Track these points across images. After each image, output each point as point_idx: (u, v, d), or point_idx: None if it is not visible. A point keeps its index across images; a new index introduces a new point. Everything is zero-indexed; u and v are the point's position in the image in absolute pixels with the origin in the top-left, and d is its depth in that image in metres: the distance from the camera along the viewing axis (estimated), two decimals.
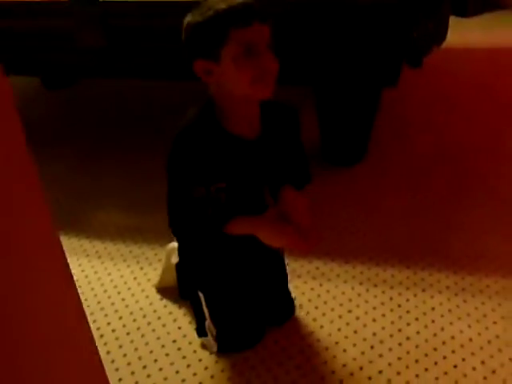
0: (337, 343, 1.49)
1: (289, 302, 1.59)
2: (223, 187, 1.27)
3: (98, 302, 1.68)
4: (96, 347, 0.86)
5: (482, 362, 1.42)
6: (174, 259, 1.57)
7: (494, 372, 1.39)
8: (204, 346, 1.50)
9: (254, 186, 1.37)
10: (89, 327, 0.84)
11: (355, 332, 1.52)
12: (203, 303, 1.46)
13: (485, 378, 1.38)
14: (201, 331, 1.51)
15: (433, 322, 1.55)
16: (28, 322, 0.67)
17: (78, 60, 2.05)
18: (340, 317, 1.57)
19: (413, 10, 1.73)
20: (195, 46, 1.19)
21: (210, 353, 1.49)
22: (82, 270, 1.81)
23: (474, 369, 1.40)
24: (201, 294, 1.46)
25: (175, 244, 1.56)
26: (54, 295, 0.73)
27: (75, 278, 1.76)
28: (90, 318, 1.59)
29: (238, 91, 1.21)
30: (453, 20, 3.78)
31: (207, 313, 1.47)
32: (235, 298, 1.48)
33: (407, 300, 1.62)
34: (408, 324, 1.54)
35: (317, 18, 1.70)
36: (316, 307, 1.61)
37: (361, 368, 1.42)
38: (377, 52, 1.77)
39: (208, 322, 1.48)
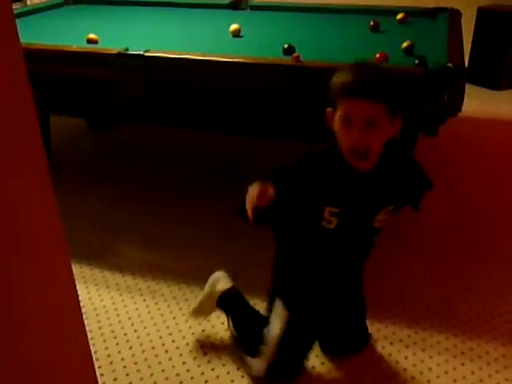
0: None
1: (364, 333, 1.70)
2: (337, 212, 1.40)
3: (112, 331, 1.78)
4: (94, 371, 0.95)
5: None
6: (220, 287, 1.71)
7: None
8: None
9: (364, 215, 1.46)
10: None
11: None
12: (274, 329, 1.53)
13: None
14: (251, 351, 1.59)
15: (428, 382, 1.58)
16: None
17: (121, 107, 2.24)
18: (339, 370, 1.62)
19: (434, 82, 1.85)
20: (328, 96, 1.36)
21: (251, 373, 1.58)
22: (101, 300, 1.93)
23: None
24: (274, 320, 1.54)
25: (220, 273, 1.74)
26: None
27: (94, 306, 1.89)
28: (102, 346, 1.71)
29: (343, 148, 1.35)
30: (485, 92, 3.94)
31: (276, 334, 1.52)
32: (311, 320, 1.57)
33: (405, 357, 1.66)
34: (404, 381, 1.58)
35: None
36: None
37: None
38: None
39: (268, 348, 1.53)
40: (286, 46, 2.16)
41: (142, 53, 2.05)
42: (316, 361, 1.65)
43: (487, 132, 3.30)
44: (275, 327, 1.52)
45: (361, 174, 1.38)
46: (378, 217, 1.45)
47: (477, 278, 2.01)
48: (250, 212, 1.31)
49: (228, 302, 1.71)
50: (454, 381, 1.58)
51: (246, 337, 1.65)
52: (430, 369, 1.62)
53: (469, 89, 3.95)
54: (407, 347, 1.70)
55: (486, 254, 2.14)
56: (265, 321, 1.58)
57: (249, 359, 1.60)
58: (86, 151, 3.16)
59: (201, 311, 1.78)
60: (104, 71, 2.11)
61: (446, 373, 1.61)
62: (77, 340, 0.91)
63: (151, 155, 3.07)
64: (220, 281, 1.74)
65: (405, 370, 1.62)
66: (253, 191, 1.31)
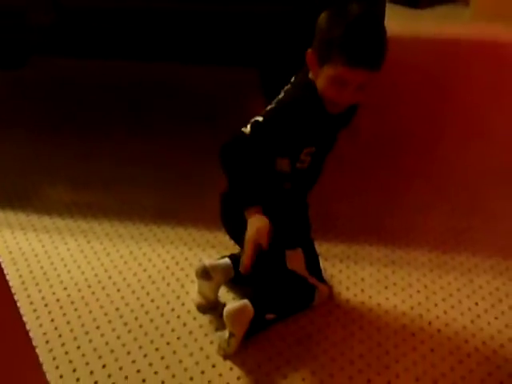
0: None
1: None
2: (312, 151, 1.42)
3: (44, 274, 1.73)
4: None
5: (403, 326, 1.54)
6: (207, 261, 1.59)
7: (413, 335, 1.51)
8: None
9: (329, 150, 1.52)
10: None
11: None
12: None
13: (404, 339, 1.50)
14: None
15: (362, 291, 1.66)
16: None
17: (28, 38, 2.07)
18: None
19: None
20: (315, 41, 1.32)
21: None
22: (29, 244, 1.85)
23: (395, 332, 1.52)
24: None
25: (205, 262, 1.58)
26: None
27: (22, 251, 1.83)
28: (35, 289, 1.66)
29: (321, 93, 1.34)
30: (405, 11, 3.96)
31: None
32: None
33: (340, 271, 1.73)
34: (339, 293, 1.65)
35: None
36: None
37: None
38: None
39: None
40: None
41: None
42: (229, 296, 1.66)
43: (409, 50, 3.34)
44: (298, 266, 1.53)
45: (332, 114, 1.39)
46: None
47: (402, 192, 2.09)
48: (250, 257, 1.32)
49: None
50: (386, 287, 1.66)
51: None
52: (363, 279, 1.70)
53: (390, 8, 3.96)
54: (341, 261, 1.76)
55: (407, 171, 2.22)
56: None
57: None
58: None
59: (203, 299, 1.61)
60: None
61: (378, 281, 1.69)
62: None
63: (72, 91, 2.90)
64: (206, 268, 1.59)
65: (340, 282, 1.68)
66: (256, 237, 1.31)
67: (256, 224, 1.32)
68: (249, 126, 1.34)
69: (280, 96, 1.42)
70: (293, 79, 1.45)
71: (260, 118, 1.35)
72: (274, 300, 1.54)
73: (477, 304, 1.61)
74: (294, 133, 1.37)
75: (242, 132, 1.34)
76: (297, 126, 1.36)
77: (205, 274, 1.57)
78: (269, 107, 1.40)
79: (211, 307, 1.59)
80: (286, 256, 1.52)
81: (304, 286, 1.56)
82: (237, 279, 1.63)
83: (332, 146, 1.52)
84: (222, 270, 1.60)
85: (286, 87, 1.44)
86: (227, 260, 1.63)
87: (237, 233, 1.45)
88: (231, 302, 1.51)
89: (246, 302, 1.45)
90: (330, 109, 1.37)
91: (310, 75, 1.38)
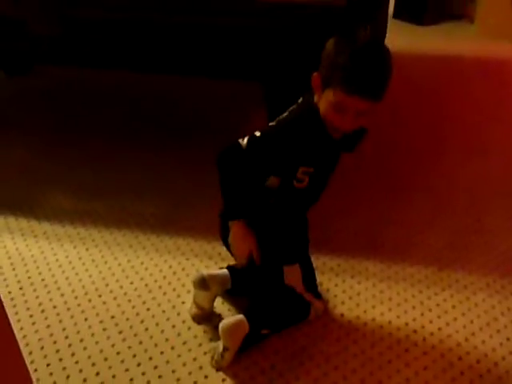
0: None
1: None
2: (311, 172, 1.42)
3: (42, 280, 1.74)
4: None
5: (397, 342, 1.54)
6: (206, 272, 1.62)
7: (407, 351, 1.51)
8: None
9: (330, 172, 1.53)
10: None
11: None
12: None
13: (398, 355, 1.50)
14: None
15: (357, 305, 1.66)
16: None
17: (33, 47, 2.09)
18: None
19: (356, 14, 1.84)
20: (321, 64, 1.33)
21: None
22: (29, 250, 1.86)
23: (389, 347, 1.52)
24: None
25: (203, 272, 1.60)
26: None
27: (22, 256, 1.84)
28: (32, 295, 1.67)
29: (323, 117, 1.36)
30: (410, 28, 3.99)
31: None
32: None
33: (336, 285, 1.73)
34: (334, 307, 1.65)
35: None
36: None
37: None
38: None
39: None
40: None
41: None
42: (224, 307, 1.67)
43: (412, 67, 3.36)
44: (295, 281, 1.54)
45: (334, 138, 1.40)
46: None
47: (400, 207, 2.09)
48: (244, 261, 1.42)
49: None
50: (381, 302, 1.66)
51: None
52: (359, 293, 1.70)
53: (394, 24, 4.00)
54: (337, 275, 1.77)
55: (408, 187, 2.22)
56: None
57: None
58: (3, 99, 2.97)
59: (198, 309, 1.61)
60: (11, 8, 1.95)
61: (374, 296, 1.69)
62: None
63: (75, 100, 2.93)
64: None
65: (335, 296, 1.69)
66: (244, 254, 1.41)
67: (235, 242, 1.41)
68: (246, 139, 1.36)
69: (284, 115, 1.43)
70: (300, 100, 1.46)
71: (258, 133, 1.37)
72: (270, 316, 1.54)
73: (472, 322, 1.60)
74: (289, 153, 1.37)
75: (239, 143, 1.36)
76: (292, 147, 1.37)
77: (202, 283, 1.58)
78: (270, 124, 1.42)
79: (206, 318, 1.60)
80: (283, 271, 1.53)
81: (300, 303, 1.56)
82: (233, 290, 1.64)
83: (334, 168, 1.52)
84: (220, 280, 1.60)
85: (291, 107, 1.44)
86: (225, 271, 1.64)
87: None
88: (227, 317, 1.51)
89: (241, 317, 1.45)
90: (331, 132, 1.38)
91: (316, 98, 1.39)
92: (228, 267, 1.65)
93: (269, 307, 1.55)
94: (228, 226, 1.45)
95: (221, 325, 1.45)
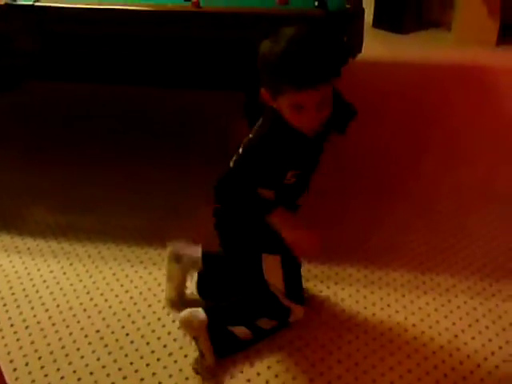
0: None
1: None
2: (299, 173, 1.44)
3: (26, 296, 1.73)
4: None
5: (381, 346, 1.55)
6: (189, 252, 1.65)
7: (391, 354, 1.53)
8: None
9: (315, 166, 1.53)
10: None
11: None
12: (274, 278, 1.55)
13: (381, 358, 1.51)
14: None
15: (342, 311, 1.68)
16: None
17: (17, 63, 2.10)
18: None
19: (334, 24, 1.88)
20: (261, 77, 1.31)
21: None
22: (13, 266, 1.85)
23: (373, 352, 1.53)
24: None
25: (177, 248, 1.65)
26: None
27: (5, 273, 1.83)
28: (16, 311, 1.67)
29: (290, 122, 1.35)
30: (389, 36, 4.04)
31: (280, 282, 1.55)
32: None
33: (320, 292, 1.75)
34: (318, 314, 1.66)
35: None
36: None
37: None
38: None
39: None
40: None
41: (31, 3, 1.91)
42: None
43: (392, 75, 3.41)
44: (275, 278, 1.55)
45: (311, 138, 1.40)
46: None
47: (383, 213, 2.12)
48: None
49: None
50: (365, 308, 1.68)
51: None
52: (343, 300, 1.72)
53: (374, 33, 4.06)
54: (321, 282, 1.78)
55: (390, 193, 2.25)
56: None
57: (263, 320, 1.56)
58: None
59: (173, 294, 1.69)
60: None
61: (357, 302, 1.71)
62: None
63: (60, 115, 2.93)
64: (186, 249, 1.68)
65: (319, 303, 1.70)
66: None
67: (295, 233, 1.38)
68: (233, 159, 1.40)
69: (257, 125, 1.44)
70: (265, 111, 1.44)
71: (241, 150, 1.40)
72: (232, 308, 1.56)
73: (454, 324, 1.63)
74: (273, 163, 1.38)
75: (229, 167, 1.39)
76: (274, 157, 1.37)
77: (175, 256, 1.63)
78: (245, 139, 1.43)
79: (182, 302, 1.65)
80: (262, 261, 1.52)
81: (276, 305, 1.56)
82: (204, 277, 1.68)
83: (316, 165, 1.52)
84: (191, 255, 1.64)
85: (259, 120, 1.45)
86: (199, 249, 1.66)
87: (228, 245, 1.57)
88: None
89: (197, 308, 1.49)
90: (306, 133, 1.38)
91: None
92: (204, 250, 1.67)
93: (234, 300, 1.57)
94: (226, 224, 1.53)
95: (178, 317, 1.50)
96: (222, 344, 1.49)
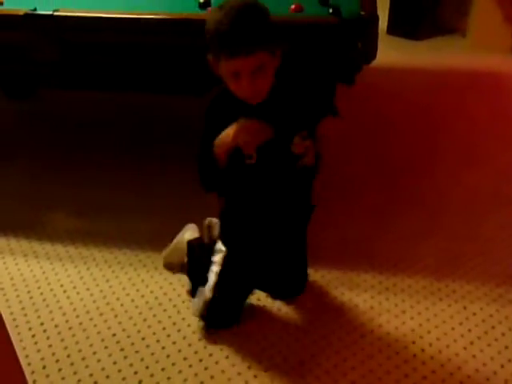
0: None
1: (301, 279, 1.77)
2: None
3: (44, 300, 1.76)
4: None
5: (396, 353, 1.55)
6: (188, 236, 1.82)
7: (406, 361, 1.52)
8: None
9: (276, 143, 1.48)
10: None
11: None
12: (214, 267, 1.65)
13: (396, 366, 1.51)
14: (193, 293, 1.72)
15: (356, 317, 1.67)
16: None
17: (35, 72, 2.14)
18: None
19: (348, 30, 1.89)
20: (207, 44, 1.38)
21: (192, 314, 1.67)
22: (31, 270, 1.88)
23: (388, 358, 1.53)
24: (216, 258, 1.66)
25: (192, 225, 1.87)
26: None
27: (23, 277, 1.86)
28: (34, 315, 1.69)
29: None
30: (404, 42, 4.04)
31: (213, 277, 1.63)
32: (251, 261, 1.67)
33: (334, 298, 1.75)
34: (333, 319, 1.66)
35: None
36: None
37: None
38: (316, 71, 1.93)
39: (207, 287, 1.63)
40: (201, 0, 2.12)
41: (51, 13, 1.96)
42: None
43: (406, 81, 3.40)
44: (214, 266, 1.64)
45: (256, 105, 1.43)
46: (294, 145, 1.43)
47: (397, 219, 2.11)
48: (223, 155, 1.43)
49: (191, 251, 1.77)
50: (379, 314, 1.68)
51: (195, 282, 1.73)
52: (357, 306, 1.72)
53: (389, 40, 4.06)
54: (336, 288, 1.79)
55: (404, 199, 2.24)
56: None
57: (192, 300, 1.69)
58: (3, 121, 3.02)
59: (170, 259, 1.86)
60: (12, 34, 2.00)
61: (372, 308, 1.70)
62: None
63: (75, 123, 2.97)
64: (189, 230, 1.86)
65: (334, 309, 1.70)
66: (250, 128, 1.39)
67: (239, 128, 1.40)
68: None
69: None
70: None
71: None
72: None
73: (470, 331, 1.62)
74: (221, 126, 1.43)
75: None
76: (221, 121, 1.43)
77: (168, 266, 1.88)
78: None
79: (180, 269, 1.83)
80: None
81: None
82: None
83: (285, 141, 1.42)
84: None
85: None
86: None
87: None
88: None
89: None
90: (249, 102, 1.42)
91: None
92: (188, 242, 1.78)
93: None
94: (229, 226, 1.64)
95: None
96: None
